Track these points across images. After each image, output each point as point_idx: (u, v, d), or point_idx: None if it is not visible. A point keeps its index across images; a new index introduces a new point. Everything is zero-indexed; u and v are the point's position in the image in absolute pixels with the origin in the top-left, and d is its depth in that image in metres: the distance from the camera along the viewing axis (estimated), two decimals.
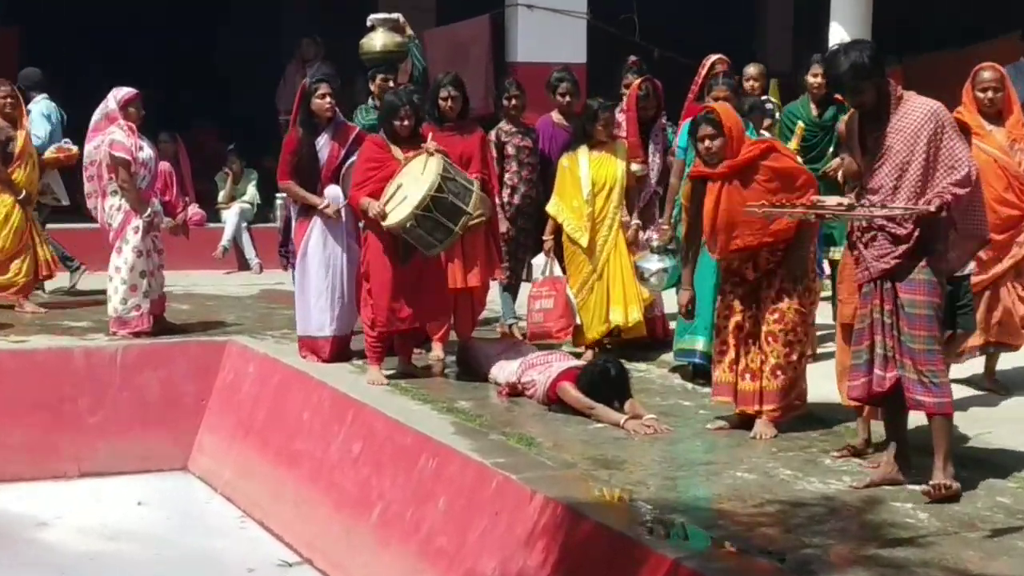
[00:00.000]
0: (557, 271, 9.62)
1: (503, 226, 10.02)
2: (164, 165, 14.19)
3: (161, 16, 19.82)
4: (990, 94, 8.11)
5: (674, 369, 9.30)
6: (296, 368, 9.30)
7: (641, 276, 9.20)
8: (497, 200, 9.95)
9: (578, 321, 9.57)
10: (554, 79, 10.34)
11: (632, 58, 11.16)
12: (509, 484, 6.76)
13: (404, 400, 8.38)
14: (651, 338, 9.82)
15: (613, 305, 9.42)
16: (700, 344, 8.74)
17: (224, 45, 19.57)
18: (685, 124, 9.21)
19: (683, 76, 10.42)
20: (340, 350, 9.36)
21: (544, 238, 9.75)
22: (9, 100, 11.55)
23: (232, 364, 10.07)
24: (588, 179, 9.39)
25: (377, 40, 10.68)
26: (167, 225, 13.10)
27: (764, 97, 10.04)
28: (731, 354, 7.57)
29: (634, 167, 9.74)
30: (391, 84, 10.10)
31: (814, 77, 9.67)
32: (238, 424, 9.65)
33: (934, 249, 6.34)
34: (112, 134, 10.16)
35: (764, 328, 7.48)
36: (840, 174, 8.26)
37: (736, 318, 7.55)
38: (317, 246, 9.28)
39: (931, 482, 6.28)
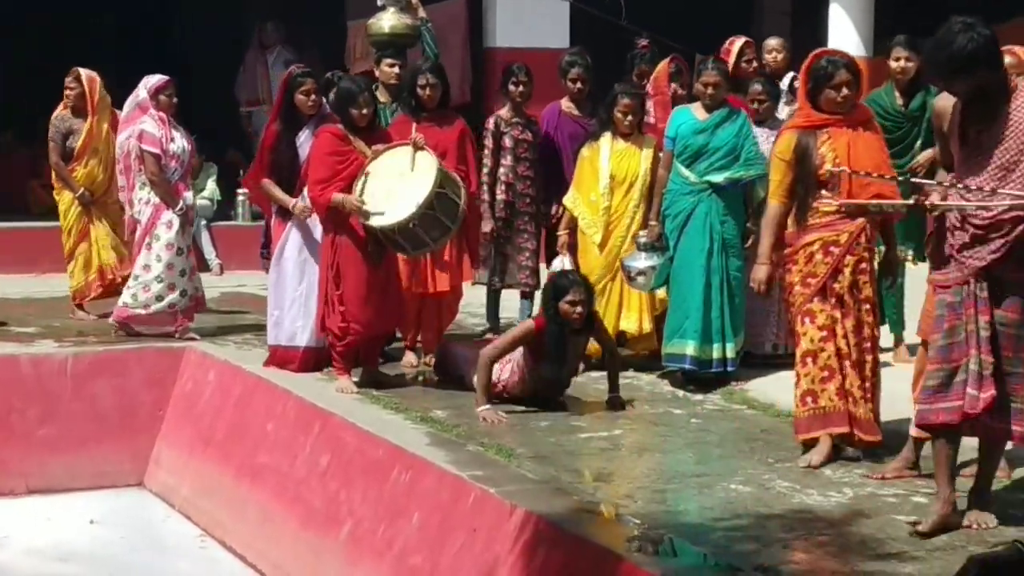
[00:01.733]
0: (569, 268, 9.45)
1: (487, 225, 9.97)
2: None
3: (116, 12, 19.89)
4: None
5: (663, 375, 9.33)
6: (259, 376, 9.31)
7: (628, 275, 9.15)
8: (485, 196, 9.96)
9: None
10: (565, 63, 10.17)
11: (642, 42, 10.96)
12: (488, 498, 6.78)
13: (375, 409, 8.41)
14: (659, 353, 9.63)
15: (626, 311, 9.39)
16: (690, 348, 8.77)
17: (181, 28, 19.59)
18: (674, 113, 9.21)
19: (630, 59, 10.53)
20: (314, 361, 9.31)
21: (559, 233, 9.70)
22: (70, 90, 11.44)
23: (191, 372, 10.08)
24: (607, 171, 9.31)
25: (386, 21, 10.53)
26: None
27: (792, 74, 9.92)
28: (837, 379, 7.19)
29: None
30: (398, 70, 9.95)
31: (896, 62, 9.35)
32: (197, 436, 9.65)
33: None
34: (143, 124, 10.23)
35: (862, 344, 7.20)
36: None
37: (836, 338, 7.18)
38: (293, 250, 9.27)
39: (977, 517, 6.09)
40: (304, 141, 9.27)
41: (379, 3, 10.66)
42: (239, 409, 9.38)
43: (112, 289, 11.26)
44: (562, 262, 9.53)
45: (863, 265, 7.17)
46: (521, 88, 10.11)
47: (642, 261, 9.01)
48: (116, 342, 10.44)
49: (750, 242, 9.10)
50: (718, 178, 8.80)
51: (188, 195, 10.33)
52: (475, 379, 8.26)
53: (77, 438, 9.93)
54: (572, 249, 9.62)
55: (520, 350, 8.37)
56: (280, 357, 9.35)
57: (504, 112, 10.22)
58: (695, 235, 8.81)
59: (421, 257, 8.99)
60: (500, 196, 10.06)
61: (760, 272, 7.33)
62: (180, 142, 10.33)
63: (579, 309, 8.19)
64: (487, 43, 14.54)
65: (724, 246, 8.84)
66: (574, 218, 9.50)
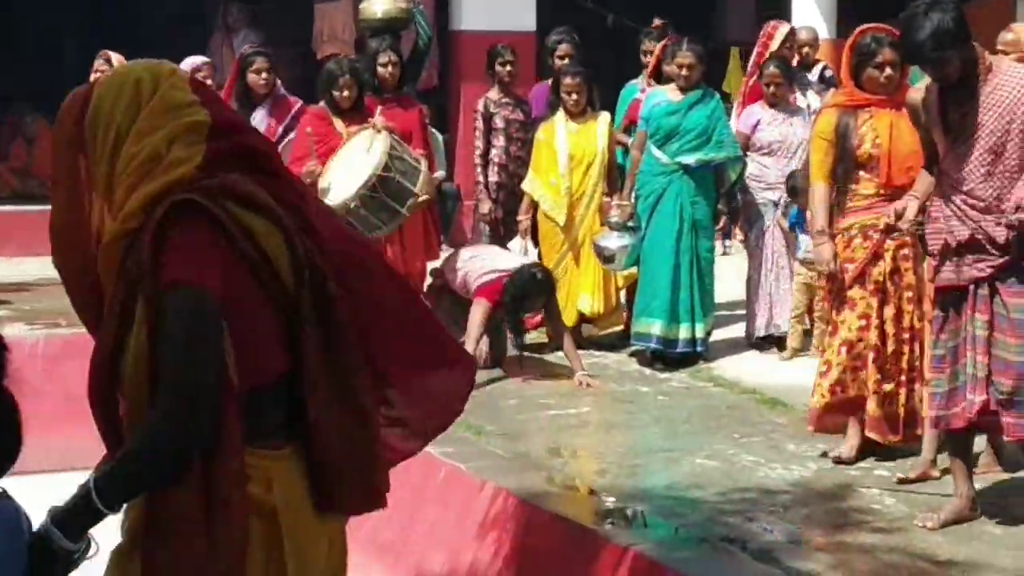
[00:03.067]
0: (533, 254, 9.56)
1: (484, 206, 9.99)
2: None
3: None
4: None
5: (632, 354, 9.41)
6: None
7: (600, 255, 9.18)
8: (480, 178, 9.99)
9: None
10: (552, 41, 10.16)
11: (656, 21, 10.78)
12: (458, 474, 6.85)
13: None
14: (629, 333, 9.66)
15: (583, 291, 9.42)
16: (656, 328, 8.81)
17: (145, 10, 19.56)
18: (649, 93, 9.25)
19: (637, 40, 10.53)
20: None
21: (519, 218, 9.70)
22: (102, 75, 11.32)
23: None
24: (565, 153, 9.33)
25: (378, 5, 10.38)
26: None
27: (823, 63, 9.97)
28: (866, 372, 6.81)
29: None
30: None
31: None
32: None
33: None
34: None
35: (901, 335, 6.78)
36: None
37: (871, 328, 6.79)
38: None
39: None
40: (258, 121, 9.23)
41: None
42: None
43: None
44: (523, 246, 9.61)
45: (905, 251, 6.72)
46: (508, 68, 10.09)
47: (614, 241, 9.02)
48: None
49: (721, 223, 9.27)
50: (689, 159, 8.81)
51: None
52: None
53: (48, 420, 9.81)
54: (532, 233, 9.68)
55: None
56: None
57: (492, 93, 10.20)
58: (666, 215, 8.83)
59: (381, 238, 8.84)
60: (493, 177, 10.04)
61: (824, 252, 6.78)
62: None
63: (534, 309, 8.60)
64: (453, 26, 14.53)
65: (694, 227, 8.86)
66: (534, 202, 9.52)
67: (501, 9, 14.34)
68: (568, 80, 9.34)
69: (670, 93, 8.98)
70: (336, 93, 8.76)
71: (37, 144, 15.04)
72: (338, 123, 8.79)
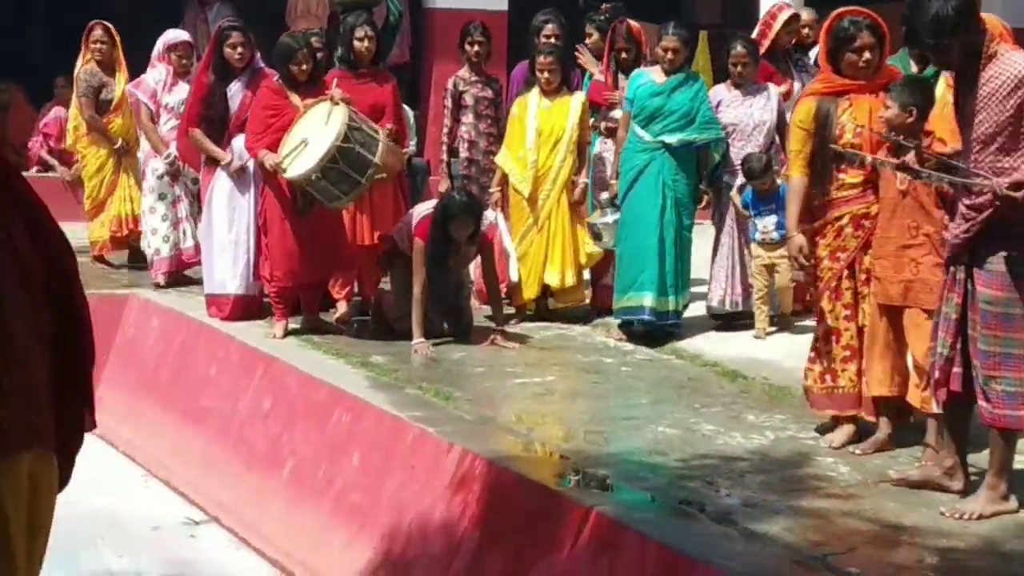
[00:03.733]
0: (503, 227, 9.61)
1: (443, 185, 10.10)
2: (60, 111, 14.35)
3: None
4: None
5: (595, 326, 9.53)
6: (203, 323, 9.43)
7: (595, 234, 9.28)
8: (443, 157, 10.12)
9: (514, 279, 9.57)
10: (540, 20, 10.16)
11: (604, 4, 10.69)
12: (426, 438, 6.96)
13: (317, 355, 8.56)
14: (596, 307, 9.86)
15: (549, 266, 9.50)
16: (648, 299, 8.78)
17: None
18: (632, 76, 9.22)
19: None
20: (244, 309, 9.39)
21: (491, 190, 9.80)
22: (102, 44, 11.33)
23: (134, 319, 10.17)
24: (534, 128, 9.41)
25: None
26: (66, 176, 13.22)
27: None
28: (856, 361, 6.73)
29: (616, 114, 9.61)
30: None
31: None
32: (140, 381, 9.75)
33: (1016, 236, 5.58)
34: (146, 74, 10.41)
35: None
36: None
37: (860, 316, 6.71)
38: (221, 199, 9.33)
39: (960, 505, 5.81)
40: (235, 93, 9.33)
41: None
42: (182, 354, 9.48)
43: (125, 240, 11.45)
44: (494, 216, 9.66)
45: None
46: (477, 48, 10.16)
47: (610, 216, 9.11)
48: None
49: (704, 203, 9.29)
50: (671, 139, 8.80)
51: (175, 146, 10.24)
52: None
53: None
54: (504, 206, 9.77)
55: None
56: (214, 304, 9.43)
57: (463, 72, 10.28)
58: (647, 191, 8.83)
59: (343, 208, 8.99)
60: (464, 154, 10.13)
61: (794, 243, 6.70)
62: (179, 96, 10.29)
63: (465, 234, 8.63)
64: (427, 4, 14.59)
65: (676, 204, 8.84)
66: (505, 174, 9.63)
67: None
68: (542, 59, 9.46)
69: (655, 75, 8.97)
70: (294, 67, 8.82)
71: (12, 112, 15.09)
72: (294, 97, 8.83)
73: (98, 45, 11.25)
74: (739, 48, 9.32)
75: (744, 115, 9.23)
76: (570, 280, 9.59)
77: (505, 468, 6.48)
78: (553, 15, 10.16)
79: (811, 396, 6.95)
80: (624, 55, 9.79)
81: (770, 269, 8.84)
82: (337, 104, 8.58)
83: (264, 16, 14.03)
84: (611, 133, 9.67)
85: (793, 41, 10.08)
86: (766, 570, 5.22)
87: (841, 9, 6.82)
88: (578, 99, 9.58)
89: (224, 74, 9.41)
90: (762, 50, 9.65)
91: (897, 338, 6.46)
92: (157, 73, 10.41)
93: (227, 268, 9.37)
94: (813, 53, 9.82)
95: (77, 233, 12.57)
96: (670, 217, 8.81)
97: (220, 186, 9.33)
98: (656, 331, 8.97)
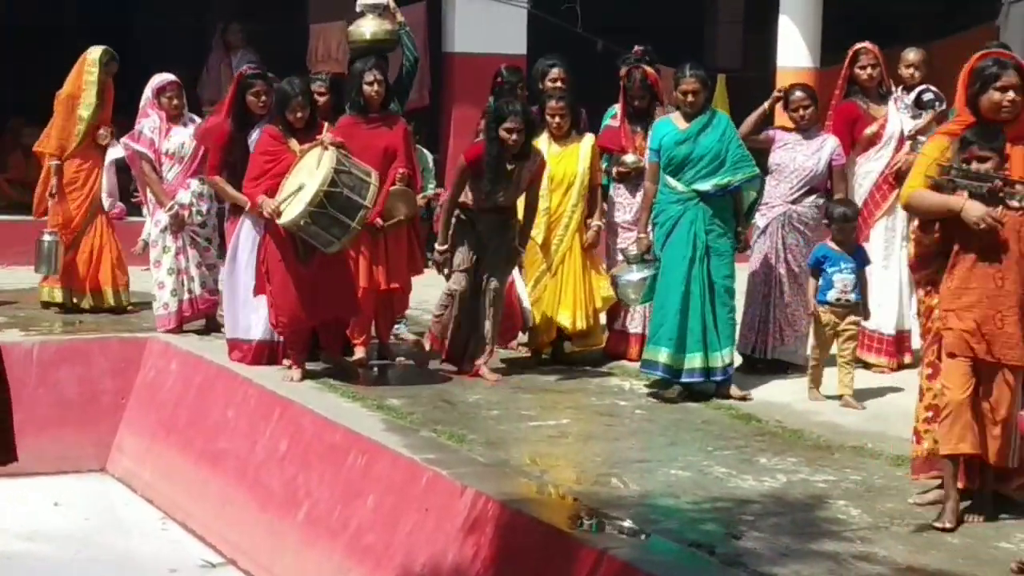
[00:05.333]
0: (516, 273, 9.46)
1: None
2: None
3: (76, 8, 19.98)
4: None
5: (611, 369, 9.50)
6: (221, 365, 9.41)
7: (617, 288, 9.05)
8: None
9: (529, 323, 9.52)
10: (545, 65, 10.06)
11: (637, 47, 10.36)
12: (439, 480, 6.96)
13: (333, 397, 8.55)
14: (611, 354, 9.72)
15: (562, 308, 9.40)
16: (663, 356, 8.56)
17: (142, 29, 19.67)
18: (655, 124, 9.09)
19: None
20: (267, 354, 9.34)
21: None
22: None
23: (154, 362, 10.15)
24: (546, 174, 9.24)
25: (366, 27, 10.26)
26: None
27: (925, 86, 9.53)
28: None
29: (627, 158, 9.59)
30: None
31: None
32: (159, 423, 9.74)
33: None
34: (140, 124, 10.26)
35: None
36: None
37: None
38: (246, 246, 9.25)
39: None
40: (256, 139, 9.25)
41: (357, 9, 10.39)
42: (200, 397, 9.46)
43: None
44: None
45: None
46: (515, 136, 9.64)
47: (634, 274, 8.83)
48: (80, 332, 10.53)
49: (744, 245, 9.00)
50: (705, 186, 8.57)
51: (183, 194, 10.16)
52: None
53: (41, 424, 9.85)
54: None
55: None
56: (235, 349, 9.39)
57: None
58: (679, 242, 8.58)
59: (340, 252, 8.77)
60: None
61: (974, 209, 6.03)
62: (179, 139, 10.20)
63: (515, 136, 8.58)
64: (445, 48, 14.66)
65: (708, 253, 8.58)
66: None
67: (493, 32, 14.44)
68: (552, 103, 9.40)
69: (677, 121, 8.77)
70: (289, 115, 8.75)
71: (35, 155, 15.20)
72: (292, 143, 8.75)
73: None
74: (798, 93, 9.31)
75: (787, 159, 9.19)
76: (582, 323, 9.51)
77: (518, 510, 6.48)
78: (558, 59, 10.08)
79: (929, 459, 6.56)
80: (637, 103, 9.74)
81: (835, 337, 8.56)
82: (327, 148, 8.53)
83: (286, 61, 14.14)
84: (622, 177, 9.66)
85: (877, 78, 9.56)
86: None
87: (984, 51, 6.59)
88: (588, 142, 9.51)
89: (245, 121, 9.41)
90: (839, 91, 9.61)
91: (987, 397, 6.22)
92: (151, 121, 10.26)
93: (251, 314, 9.32)
94: (913, 93, 9.50)
95: None
96: (698, 270, 8.55)
97: (245, 234, 9.28)
98: (687, 388, 8.66)
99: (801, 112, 9.29)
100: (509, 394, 8.81)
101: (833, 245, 8.50)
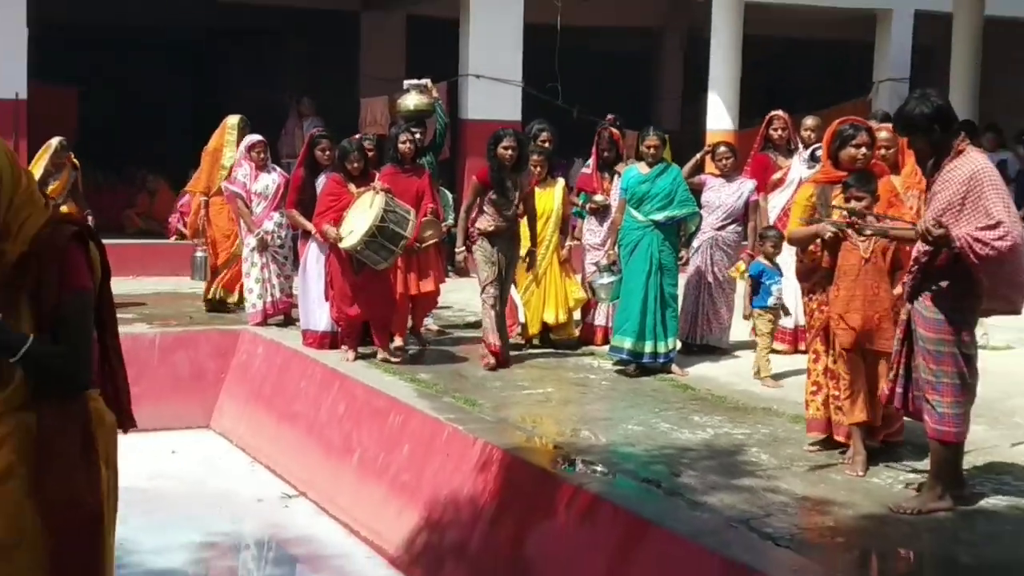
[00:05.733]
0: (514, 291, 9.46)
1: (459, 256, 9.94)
2: (191, 196, 14.39)
3: (189, 82, 20.06)
4: (882, 151, 7.05)
5: (582, 353, 9.39)
6: (295, 349, 9.42)
7: (593, 290, 9.06)
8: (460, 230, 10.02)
9: (522, 320, 9.54)
10: (536, 128, 9.91)
11: (609, 116, 10.42)
12: (457, 434, 6.99)
13: (378, 373, 8.56)
14: (583, 341, 9.65)
15: (546, 308, 9.39)
16: (627, 343, 8.53)
17: (239, 103, 19.77)
18: (626, 169, 9.04)
19: (595, 129, 10.51)
20: (329, 340, 9.27)
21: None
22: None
23: (245, 347, 10.18)
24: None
25: (410, 100, 10.43)
26: (195, 243, 13.16)
27: (818, 144, 8.83)
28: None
29: (597, 198, 9.51)
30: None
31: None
32: (250, 392, 9.77)
33: (951, 290, 5.34)
34: (235, 172, 10.27)
35: None
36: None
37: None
38: (312, 260, 9.26)
39: (905, 502, 5.57)
40: (322, 183, 9.25)
41: (404, 87, 10.55)
42: (280, 373, 9.48)
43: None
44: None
45: None
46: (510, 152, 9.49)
47: (605, 278, 8.84)
48: (191, 325, 10.54)
49: (684, 261, 8.95)
50: (659, 216, 8.52)
51: (267, 223, 10.13)
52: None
53: (162, 393, 9.90)
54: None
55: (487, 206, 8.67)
56: (307, 337, 9.39)
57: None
58: (639, 260, 8.55)
59: (385, 268, 8.67)
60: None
61: (823, 229, 6.17)
62: (265, 182, 10.18)
63: (510, 152, 8.47)
64: (461, 115, 14.73)
65: (660, 269, 8.55)
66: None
67: (496, 104, 14.59)
68: (535, 157, 9.30)
69: (640, 168, 8.77)
70: (348, 165, 8.79)
71: (157, 196, 15.25)
72: (351, 186, 8.77)
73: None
74: (722, 148, 9.39)
75: (714, 198, 9.19)
76: (562, 318, 9.52)
77: (515, 456, 6.51)
78: (547, 124, 9.96)
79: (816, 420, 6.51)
80: (606, 155, 9.73)
81: (773, 330, 8.48)
82: (378, 193, 8.53)
83: (343, 125, 14.20)
84: (593, 211, 9.62)
85: (785, 137, 9.56)
86: (706, 530, 5.24)
87: (843, 118, 6.60)
88: (560, 185, 9.52)
89: (314, 170, 9.42)
90: (757, 145, 9.60)
91: (870, 376, 6.17)
92: (244, 170, 10.25)
93: (318, 311, 9.30)
94: (809, 151, 9.31)
95: (201, 283, 12.72)
96: (654, 280, 8.52)
97: (313, 252, 9.27)
98: (650, 367, 8.60)
99: (724, 162, 9.32)
100: (507, 370, 8.80)
101: (767, 262, 8.39)
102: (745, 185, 9.31)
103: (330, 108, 15.69)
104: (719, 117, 13.81)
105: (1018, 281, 5.36)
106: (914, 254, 5.52)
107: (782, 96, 16.11)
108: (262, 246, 10.16)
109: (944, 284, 5.34)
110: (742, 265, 8.73)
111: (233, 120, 10.53)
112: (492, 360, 8.74)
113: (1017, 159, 12.67)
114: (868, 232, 5.91)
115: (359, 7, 17.33)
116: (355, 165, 8.82)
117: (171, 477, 8.74)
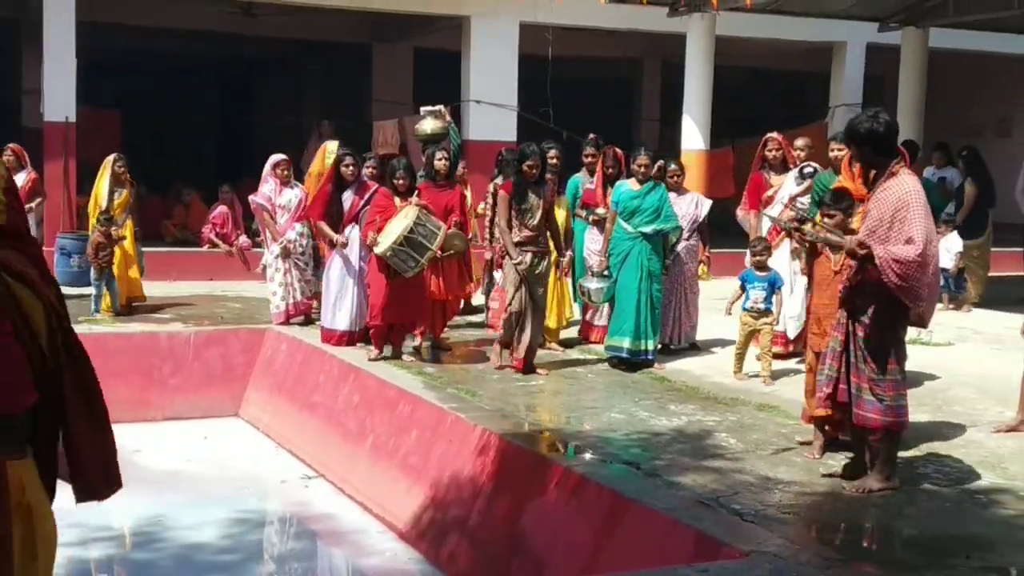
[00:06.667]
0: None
1: (487, 254, 10.00)
2: (223, 208, 14.46)
3: (218, 105, 20.06)
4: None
5: (608, 360, 8.95)
6: (315, 346, 9.41)
7: (585, 293, 8.85)
8: (486, 235, 9.96)
9: None
10: (546, 147, 9.57)
11: (591, 135, 10.33)
12: (459, 421, 7.00)
13: (389, 367, 8.55)
14: (582, 337, 9.58)
15: (548, 313, 9.12)
16: (626, 342, 8.47)
17: (261, 125, 19.81)
18: (617, 185, 8.87)
19: (582, 149, 10.40)
20: (347, 339, 9.23)
21: (499, 261, 9.42)
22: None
23: (270, 344, 10.17)
24: None
25: (427, 125, 10.28)
26: (226, 251, 13.23)
27: (807, 162, 8.87)
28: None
29: (599, 211, 9.31)
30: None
31: (839, 151, 8.03)
32: (274, 384, 9.75)
33: (884, 297, 5.29)
34: (262, 186, 10.22)
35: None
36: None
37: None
38: (336, 266, 9.19)
39: (858, 482, 5.57)
40: (347, 198, 9.20)
41: (420, 113, 10.45)
42: (301, 367, 9.47)
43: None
44: (499, 275, 9.45)
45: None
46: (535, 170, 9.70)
47: (596, 283, 8.67)
48: (222, 325, 10.52)
49: (666, 269, 8.83)
50: (648, 229, 8.46)
51: (290, 233, 10.10)
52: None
53: (196, 385, 9.96)
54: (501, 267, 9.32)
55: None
56: (326, 335, 9.34)
57: (499, 180, 9.96)
58: (631, 268, 8.48)
59: (413, 275, 8.54)
60: (497, 234, 9.59)
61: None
62: (288, 196, 10.15)
63: (534, 170, 8.17)
64: (463, 137, 14.71)
65: (650, 275, 8.53)
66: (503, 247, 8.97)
67: (494, 126, 14.63)
68: (548, 175, 8.92)
69: (631, 184, 8.69)
70: (395, 181, 8.70)
71: (191, 208, 15.25)
72: (397, 200, 8.68)
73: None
74: (673, 166, 9.25)
75: (676, 211, 8.95)
76: (559, 321, 9.49)
77: (511, 441, 6.52)
78: (555, 144, 9.73)
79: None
80: (610, 170, 9.55)
81: (752, 334, 8.26)
82: (414, 207, 8.49)
83: (358, 145, 14.20)
84: (595, 223, 9.51)
85: (780, 157, 9.07)
86: (679, 507, 5.26)
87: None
88: (564, 201, 9.44)
89: (340, 185, 9.29)
90: (755, 165, 9.22)
91: None
92: (269, 185, 10.22)
93: (338, 312, 9.24)
94: (797, 170, 8.95)
95: (231, 287, 12.75)
96: (645, 286, 8.49)
97: (336, 261, 9.22)
98: (635, 363, 8.59)
99: (675, 179, 9.22)
100: (505, 366, 8.70)
101: (754, 270, 8.27)
102: (699, 197, 9.28)
103: (345, 130, 15.71)
104: (693, 138, 13.85)
105: (925, 296, 5.30)
106: (850, 261, 5.48)
107: (748, 120, 16.21)
108: (285, 254, 10.15)
109: (881, 290, 5.29)
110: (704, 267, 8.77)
111: (332, 145, 10.37)
112: (500, 362, 8.51)
113: (960, 174, 12.68)
114: (808, 239, 5.98)
115: (371, 39, 17.38)
116: (401, 182, 8.68)
117: (203, 461, 8.75)
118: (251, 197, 10.48)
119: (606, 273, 8.69)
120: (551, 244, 8.54)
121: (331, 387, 8.84)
